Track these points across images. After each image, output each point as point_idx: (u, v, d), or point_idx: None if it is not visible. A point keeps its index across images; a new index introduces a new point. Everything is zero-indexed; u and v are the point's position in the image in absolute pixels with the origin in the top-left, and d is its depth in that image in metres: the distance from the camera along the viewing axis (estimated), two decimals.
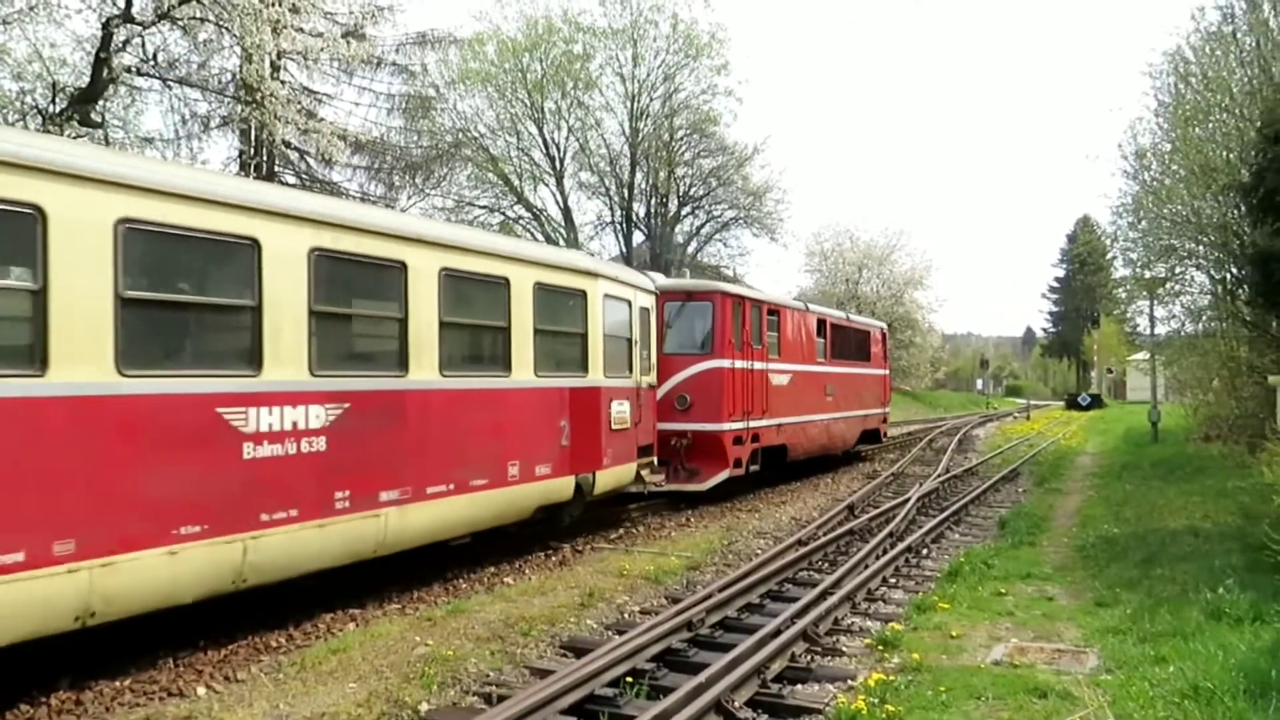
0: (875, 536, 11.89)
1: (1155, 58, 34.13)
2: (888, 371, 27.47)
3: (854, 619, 8.47)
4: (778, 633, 7.26)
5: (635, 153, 36.07)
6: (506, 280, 10.10)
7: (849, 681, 6.62)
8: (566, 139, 35.94)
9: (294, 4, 17.15)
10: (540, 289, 10.61)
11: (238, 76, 20.53)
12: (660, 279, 15.76)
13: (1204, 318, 22.22)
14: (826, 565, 10.73)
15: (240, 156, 22.94)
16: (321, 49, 19.77)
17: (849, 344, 22.83)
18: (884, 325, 28.55)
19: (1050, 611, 8.56)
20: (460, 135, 32.53)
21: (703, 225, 39.01)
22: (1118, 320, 49.57)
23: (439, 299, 9.05)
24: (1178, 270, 20.81)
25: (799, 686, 6.60)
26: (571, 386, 11.26)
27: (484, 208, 35.87)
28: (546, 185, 36.60)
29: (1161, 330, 27.78)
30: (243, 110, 20.26)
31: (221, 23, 17.23)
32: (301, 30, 18.96)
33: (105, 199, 6.08)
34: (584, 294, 11.54)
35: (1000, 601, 8.90)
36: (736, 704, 6.02)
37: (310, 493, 7.52)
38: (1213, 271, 18.84)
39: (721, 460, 15.27)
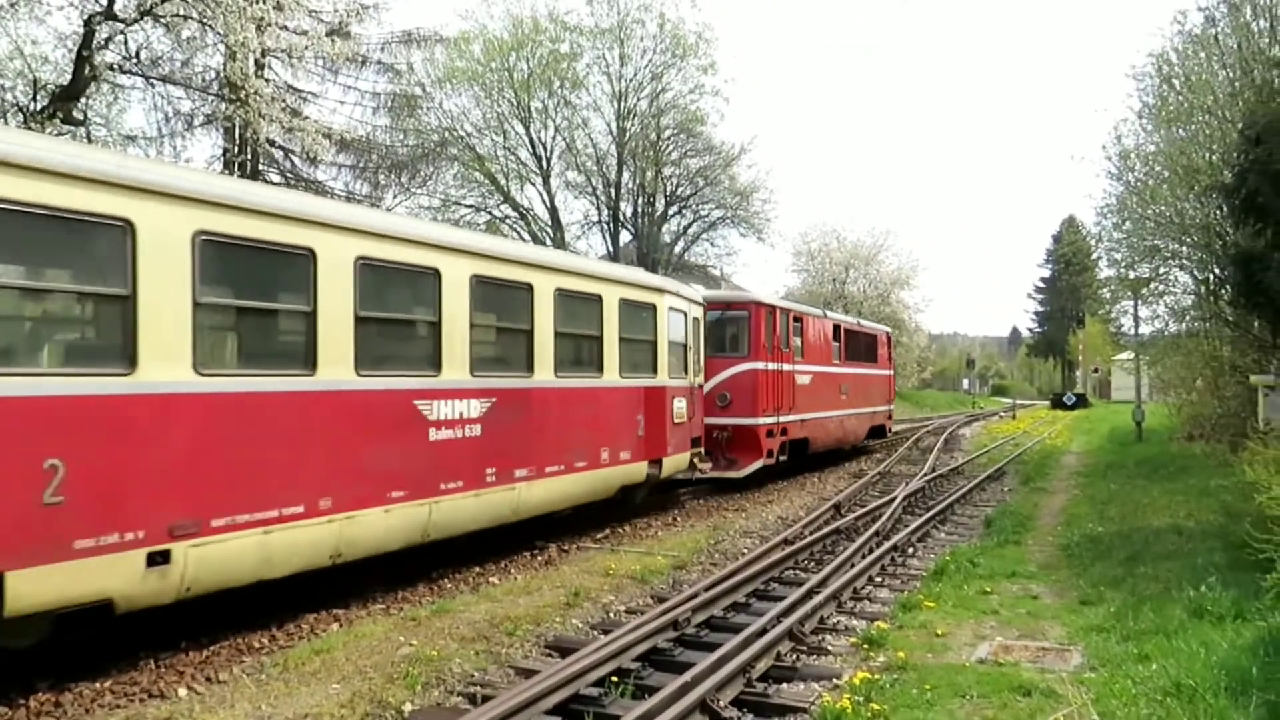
0: (862, 535, 11.92)
1: (1139, 60, 34.40)
2: (892, 372, 30.01)
3: (840, 618, 8.48)
4: (763, 632, 7.26)
5: (622, 152, 36.01)
6: (600, 297, 12.26)
7: (834, 680, 6.62)
8: (553, 138, 35.87)
9: (278, 2, 17.06)
10: (623, 304, 12.75)
11: (221, 74, 20.40)
12: (702, 291, 17.73)
13: (1187, 318, 22.38)
14: (813, 564, 10.74)
15: (224, 155, 22.80)
16: (306, 47, 19.65)
17: (860, 347, 25.02)
18: (889, 330, 30.87)
19: (1035, 610, 8.59)
20: (446, 134, 32.40)
21: (690, 225, 38.98)
22: (1102, 320, 49.89)
23: (554, 313, 11.14)
24: (1161, 271, 20.97)
25: (784, 685, 6.60)
26: (645, 386, 13.41)
27: (470, 207, 35.76)
28: (533, 184, 36.54)
29: (1145, 330, 28.00)
30: (227, 108, 20.13)
31: (205, 20, 17.12)
32: (286, 28, 18.87)
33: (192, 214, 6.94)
34: (654, 307, 13.73)
35: (985, 600, 8.93)
36: (722, 703, 6.01)
37: (470, 469, 9.61)
38: (1196, 272, 18.99)
39: (757, 451, 17.30)
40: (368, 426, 8.34)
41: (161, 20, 17.22)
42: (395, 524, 8.61)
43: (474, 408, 9.73)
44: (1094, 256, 35.16)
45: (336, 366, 8.02)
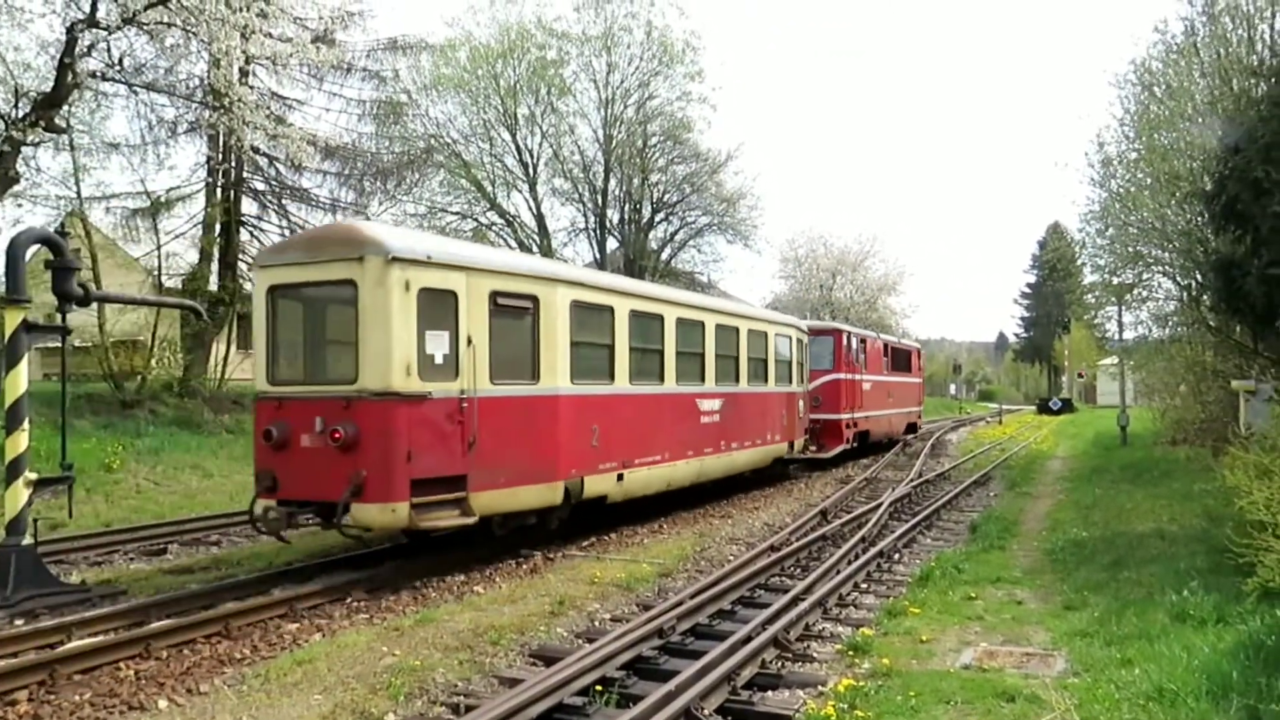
0: (848, 542, 11.91)
1: (1121, 67, 34.66)
2: (922, 380, 37.38)
3: (825, 624, 8.47)
4: (748, 639, 7.25)
5: (609, 159, 36.02)
6: (766, 333, 18.62)
7: (819, 687, 6.61)
8: (540, 145, 35.87)
9: (263, 9, 17.01)
10: (777, 336, 19.28)
11: (205, 81, 20.33)
12: (805, 322, 23.56)
13: (1170, 323, 22.47)
14: (799, 571, 10.73)
15: (208, 162, 22.72)
16: (291, 54, 19.62)
17: (901, 360, 31.71)
18: (919, 346, 38.21)
19: (1019, 615, 8.61)
20: (432, 141, 32.36)
21: (676, 232, 38.99)
22: (1087, 326, 50.19)
23: (748, 343, 17.51)
24: (1145, 277, 21.04)
25: (769, 693, 6.59)
26: (785, 392, 19.70)
27: (456, 214, 35.68)
28: (520, 191, 36.51)
29: (1129, 335, 28.17)
30: (211, 116, 20.07)
31: (189, 28, 17.06)
32: (270, 35, 18.82)
33: (444, 274, 9.95)
34: (789, 337, 20.18)
35: (970, 606, 8.94)
36: (706, 711, 6.00)
37: (714, 440, 15.83)
38: (1178, 278, 19.06)
39: (839, 438, 23.52)
40: (679, 413, 14.68)
41: (145, 27, 17.17)
42: (690, 469, 14.95)
43: (716, 404, 15.91)
44: (1078, 262, 35.35)
45: (671, 380, 14.44)
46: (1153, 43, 18.10)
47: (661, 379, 14.11)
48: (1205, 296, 16.14)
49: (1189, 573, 8.98)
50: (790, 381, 19.93)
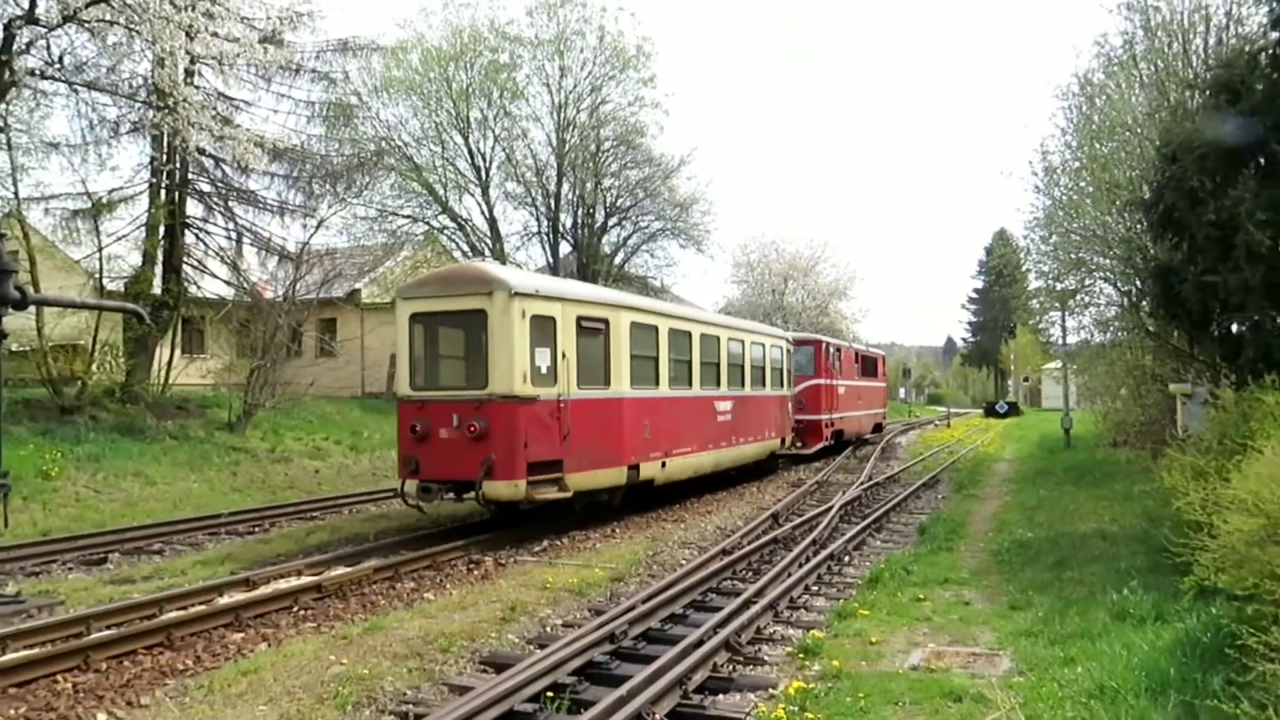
0: (799, 544, 12.00)
1: (1065, 79, 35.42)
2: (886, 384, 41.65)
3: (776, 627, 8.52)
4: (700, 643, 7.27)
5: (562, 163, 35.88)
6: (764, 344, 21.79)
7: (770, 690, 6.64)
8: (492, 149, 35.58)
9: (208, 9, 16.73)
10: (772, 347, 22.48)
11: (149, 81, 19.91)
12: (791, 333, 26.76)
13: (1111, 328, 22.98)
14: (750, 574, 10.78)
15: (152, 163, 22.23)
16: (238, 54, 19.31)
17: (869, 366, 35.37)
18: (883, 354, 41.83)
19: (966, 616, 8.74)
20: (383, 144, 31.96)
21: (630, 236, 38.95)
22: (1032, 330, 51.15)
23: (749, 353, 20.54)
24: (1087, 283, 21.46)
25: (720, 697, 6.61)
26: (778, 395, 22.71)
27: (408, 217, 35.26)
28: (472, 195, 36.16)
29: (1073, 340, 28.77)
30: (154, 116, 19.66)
31: (132, 26, 16.73)
32: (217, 35, 18.51)
33: (549, 304, 12.75)
34: (781, 348, 23.29)
35: (919, 607, 9.06)
36: (658, 716, 5.99)
37: (727, 435, 18.60)
38: (1119, 284, 19.46)
39: (820, 436, 26.55)
40: (703, 413, 17.56)
41: (86, 25, 16.80)
42: (710, 459, 17.87)
43: (729, 405, 18.77)
44: (1023, 268, 36.07)
45: (697, 385, 17.38)
46: (1094, 55, 18.54)
47: (690, 384, 17.15)
48: (1144, 302, 16.53)
49: (1129, 572, 9.18)
50: (781, 386, 23.13)
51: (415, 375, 12.94)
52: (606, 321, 14.01)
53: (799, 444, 25.36)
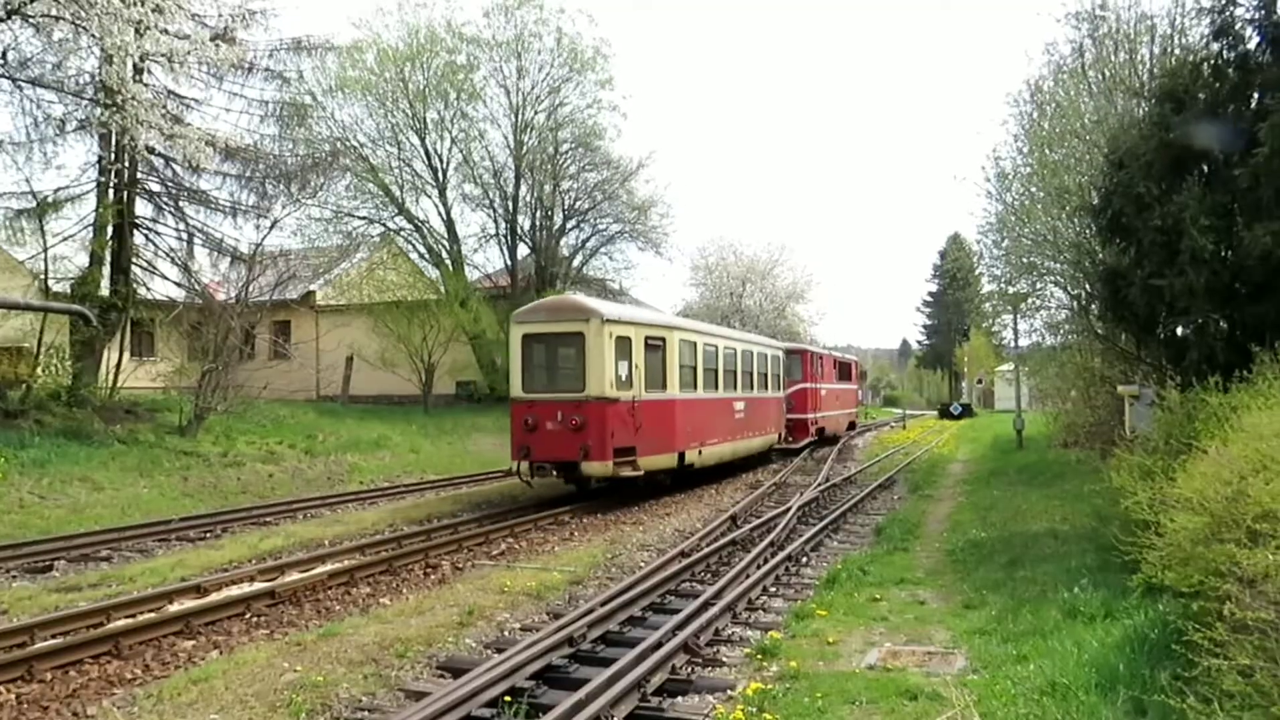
0: (757, 546, 12.04)
1: (1016, 86, 36.01)
2: (858, 387, 47.60)
3: (735, 629, 8.55)
4: (658, 645, 7.26)
5: (520, 165, 35.76)
6: (767, 355, 25.76)
7: (728, 691, 6.66)
8: (449, 150, 35.37)
9: (158, 4, 16.40)
10: (771, 357, 26.43)
11: (97, 78, 19.48)
12: (784, 344, 31.22)
13: (1062, 331, 23.43)
14: (709, 576, 10.79)
15: (99, 162, 21.75)
16: (188, 52, 18.95)
17: (845, 371, 39.64)
18: (857, 359, 47.85)
19: (922, 615, 8.84)
20: (338, 144, 31.64)
21: (588, 239, 38.93)
22: (986, 333, 51.98)
23: (757, 363, 24.33)
24: (1038, 286, 21.83)
25: (679, 699, 6.61)
26: (776, 397, 26.65)
27: (364, 219, 34.95)
28: (429, 197, 35.91)
29: (1024, 343, 29.31)
30: (102, 114, 19.22)
31: (78, 22, 16.35)
32: (167, 32, 18.13)
33: (627, 328, 16.66)
34: (778, 358, 27.36)
35: (875, 607, 9.14)
36: (617, 719, 5.99)
37: (741, 430, 22.41)
38: (1069, 288, 19.83)
39: (806, 432, 30.15)
40: (726, 411, 21.15)
41: (31, 20, 16.40)
42: (730, 449, 21.45)
43: (742, 405, 22.49)
44: (976, 272, 36.75)
45: (722, 389, 20.93)
46: (1044, 62, 18.91)
47: (717, 388, 20.96)
48: (1093, 305, 16.84)
49: (1080, 570, 9.34)
50: (779, 389, 27.15)
51: (526, 381, 16.69)
52: (663, 340, 18.01)
53: (790, 439, 28.33)
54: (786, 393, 28.40)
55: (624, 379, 16.22)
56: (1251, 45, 10.42)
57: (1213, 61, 10.67)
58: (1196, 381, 9.45)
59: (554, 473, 16.07)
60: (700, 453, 19.34)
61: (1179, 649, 5.31)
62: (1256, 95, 10.33)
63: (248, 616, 8.88)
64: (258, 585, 9.90)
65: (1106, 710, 5.41)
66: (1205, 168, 10.55)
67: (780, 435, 26.93)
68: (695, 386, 19.42)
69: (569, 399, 15.89)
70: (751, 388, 23.58)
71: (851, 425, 41.06)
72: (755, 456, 24.64)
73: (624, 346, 16.31)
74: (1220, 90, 10.43)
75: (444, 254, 35.59)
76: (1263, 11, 10.23)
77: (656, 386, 17.44)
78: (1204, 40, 11.18)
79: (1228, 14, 10.45)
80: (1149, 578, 6.31)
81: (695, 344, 19.73)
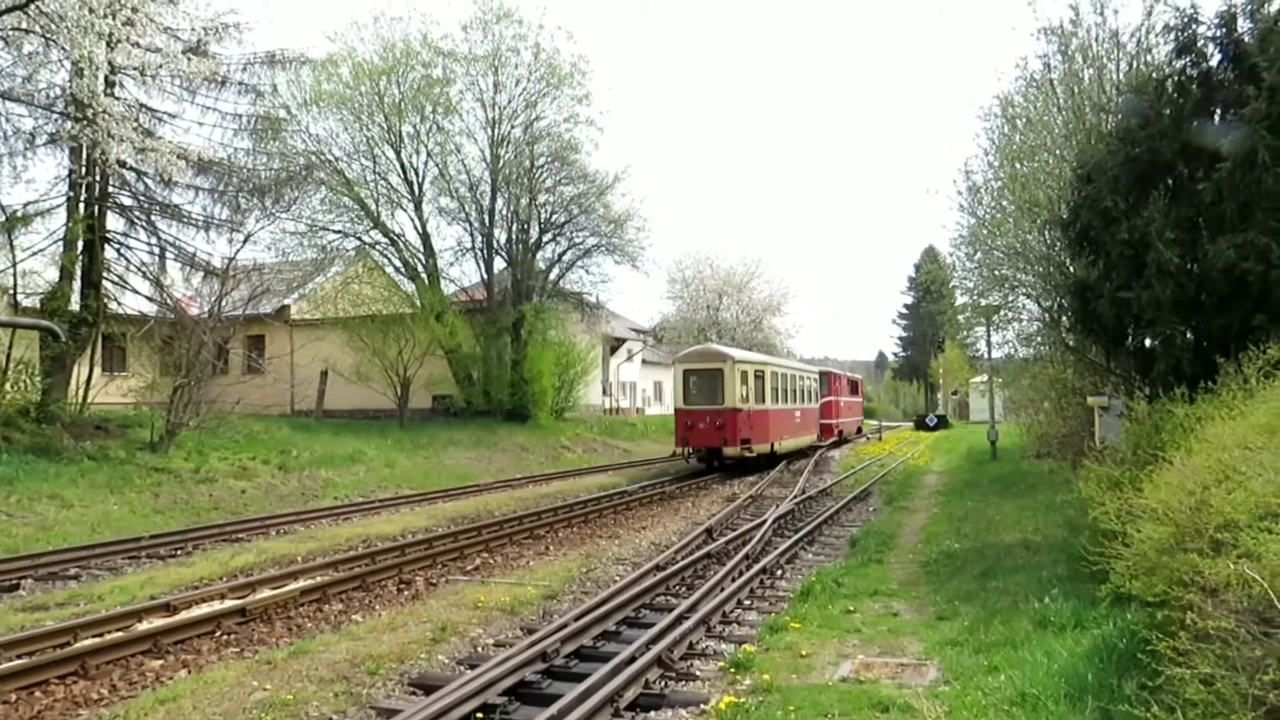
0: (732, 559, 12.06)
1: (987, 100, 36.43)
2: (862, 399, 56.58)
3: (709, 642, 8.54)
4: (632, 660, 7.25)
5: (496, 179, 35.72)
6: (809, 376, 37.01)
7: (702, 705, 6.66)
8: (425, 164, 35.28)
9: (129, 18, 16.30)
10: (811, 378, 37.48)
11: (67, 91, 19.32)
12: (818, 368, 41.91)
13: (1034, 343, 23.58)
14: (684, 589, 10.80)
15: (70, 176, 21.54)
16: (160, 65, 18.85)
17: (854, 387, 50.05)
18: (861, 377, 57.43)
19: (895, 627, 8.87)
20: (313, 158, 31.46)
21: (564, 252, 38.85)
22: (960, 345, 52.45)
23: (803, 383, 35.41)
24: (1010, 299, 21.99)
25: (653, 713, 6.61)
26: (813, 407, 36.84)
27: (339, 233, 34.74)
28: (405, 210, 35.78)
29: (998, 354, 29.47)
30: (73, 127, 19.06)
31: (48, 35, 16.23)
32: (139, 45, 18.04)
33: (746, 365, 28.13)
34: (816, 376, 38.74)
35: (849, 619, 9.17)
36: None
37: (799, 430, 33.53)
38: (1040, 300, 19.98)
39: (831, 434, 40.06)
40: (791, 417, 31.91)
41: (0, 34, 16.23)
42: (793, 443, 31.53)
43: (798, 413, 33.16)
44: (950, 285, 37.02)
45: (786, 402, 31.48)
46: (1015, 77, 19.13)
47: (786, 401, 31.07)
48: (1064, 318, 16.99)
49: (1051, 581, 9.41)
50: (814, 401, 37.01)
51: (686, 398, 27.03)
52: (762, 372, 28.31)
53: (820, 438, 37.65)
54: (819, 404, 38.32)
55: (744, 396, 26.43)
56: (1214, 62, 10.61)
57: (1177, 78, 10.86)
58: (1163, 393, 9.57)
59: (703, 456, 26.86)
60: (781, 443, 29.34)
61: (1145, 658, 5.36)
62: (1219, 111, 10.52)
63: (218, 635, 8.79)
64: (228, 603, 9.79)
65: None
66: (1170, 182, 10.71)
67: (817, 435, 36.87)
68: (777, 401, 29.56)
69: (713, 409, 26.10)
70: (802, 400, 34.13)
71: (859, 430, 51.67)
72: (807, 449, 34.61)
73: (744, 376, 26.72)
74: (1184, 106, 10.61)
75: (420, 268, 35.48)
76: (1224, 30, 10.42)
77: (759, 400, 27.58)
78: (1169, 58, 11.37)
79: (1190, 32, 10.64)
80: (1117, 588, 6.37)
81: (777, 373, 30.55)
